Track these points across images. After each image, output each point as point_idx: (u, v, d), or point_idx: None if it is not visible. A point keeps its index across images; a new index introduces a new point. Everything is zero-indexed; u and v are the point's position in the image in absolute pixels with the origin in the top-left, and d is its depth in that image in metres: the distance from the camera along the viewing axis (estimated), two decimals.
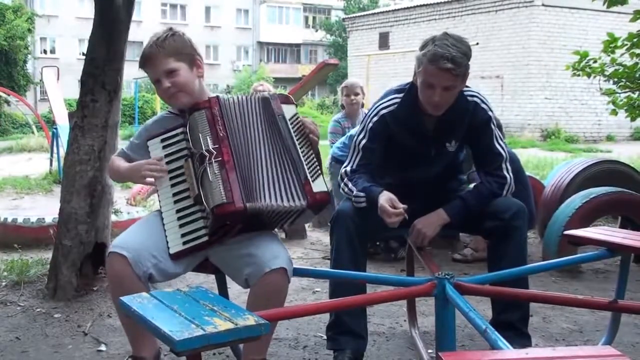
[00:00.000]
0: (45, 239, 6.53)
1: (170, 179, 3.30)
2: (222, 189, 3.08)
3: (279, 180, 3.19)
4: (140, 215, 7.27)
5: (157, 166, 3.29)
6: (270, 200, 3.15)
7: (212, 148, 3.15)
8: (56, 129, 13.46)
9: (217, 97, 3.31)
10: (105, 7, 4.90)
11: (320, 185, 3.22)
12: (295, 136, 3.26)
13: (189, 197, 3.25)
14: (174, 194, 3.29)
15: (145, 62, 3.38)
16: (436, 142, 3.76)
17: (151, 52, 3.34)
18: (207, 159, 3.13)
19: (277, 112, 3.29)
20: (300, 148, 3.25)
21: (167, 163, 3.31)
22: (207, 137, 3.18)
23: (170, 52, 3.32)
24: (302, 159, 3.23)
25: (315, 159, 3.28)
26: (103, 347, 4.02)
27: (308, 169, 3.22)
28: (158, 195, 3.34)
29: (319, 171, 3.27)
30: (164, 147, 3.34)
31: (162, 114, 3.62)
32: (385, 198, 3.49)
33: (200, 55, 3.47)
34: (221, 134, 3.19)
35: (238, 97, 3.32)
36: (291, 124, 3.28)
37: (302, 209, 3.20)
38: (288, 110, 3.32)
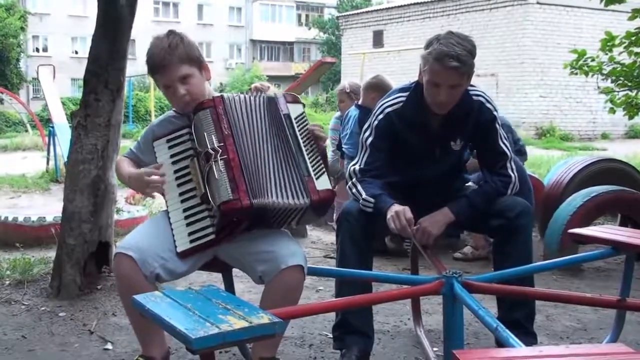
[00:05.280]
0: (46, 238, 6.56)
1: (177, 178, 3.31)
2: (228, 186, 3.09)
3: (283, 178, 3.19)
4: (140, 214, 7.30)
5: (157, 176, 3.28)
6: (276, 198, 3.15)
7: (217, 146, 3.15)
8: (53, 127, 13.43)
9: (222, 96, 3.31)
10: (108, 6, 4.91)
11: (324, 183, 3.22)
12: (301, 135, 3.27)
13: (195, 196, 3.26)
14: (180, 194, 3.30)
15: (157, 69, 3.31)
16: (441, 140, 3.76)
17: (164, 59, 3.27)
18: (212, 157, 3.13)
19: (283, 111, 3.30)
20: (305, 147, 3.26)
21: (173, 163, 3.32)
22: (212, 135, 3.18)
23: (183, 58, 3.28)
24: (306, 157, 3.23)
25: (320, 158, 3.28)
26: (109, 346, 4.02)
27: (312, 167, 3.22)
28: (164, 195, 3.35)
29: (323, 170, 3.26)
30: (170, 148, 3.35)
31: (168, 113, 3.60)
32: (400, 208, 3.48)
33: (204, 60, 3.47)
34: (226, 132, 3.19)
35: (243, 96, 3.32)
36: (297, 123, 3.29)
37: (305, 207, 3.19)
38: (294, 110, 3.33)
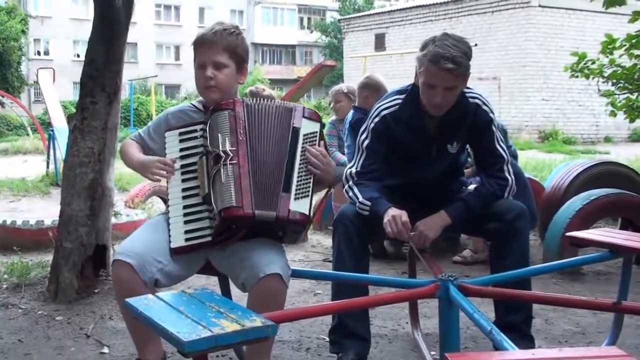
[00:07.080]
0: (44, 242, 6.54)
1: (182, 174, 3.29)
2: (233, 192, 3.07)
3: (268, 189, 3.16)
4: (139, 218, 7.29)
5: (167, 166, 3.26)
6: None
7: (230, 150, 3.13)
8: (52, 131, 13.44)
9: (242, 100, 3.29)
10: (104, 8, 4.90)
11: (301, 206, 3.16)
12: (301, 153, 3.22)
13: (198, 194, 3.24)
14: (184, 190, 3.27)
15: (202, 44, 3.35)
16: (437, 143, 3.75)
17: (213, 38, 3.31)
18: (222, 160, 3.11)
19: (295, 124, 3.25)
20: (300, 165, 3.21)
21: (182, 158, 3.30)
22: (226, 138, 3.16)
23: (229, 46, 3.32)
24: (295, 175, 3.18)
25: (309, 182, 3.22)
26: (106, 350, 4.01)
27: (297, 186, 3.18)
28: (167, 189, 3.32)
29: (307, 194, 3.20)
30: (181, 141, 3.32)
31: (186, 105, 3.59)
32: (396, 212, 3.47)
33: (247, 65, 3.50)
34: (241, 138, 3.17)
35: (262, 104, 3.29)
36: (304, 139, 3.25)
37: (271, 220, 3.14)
38: (308, 126, 3.28)
